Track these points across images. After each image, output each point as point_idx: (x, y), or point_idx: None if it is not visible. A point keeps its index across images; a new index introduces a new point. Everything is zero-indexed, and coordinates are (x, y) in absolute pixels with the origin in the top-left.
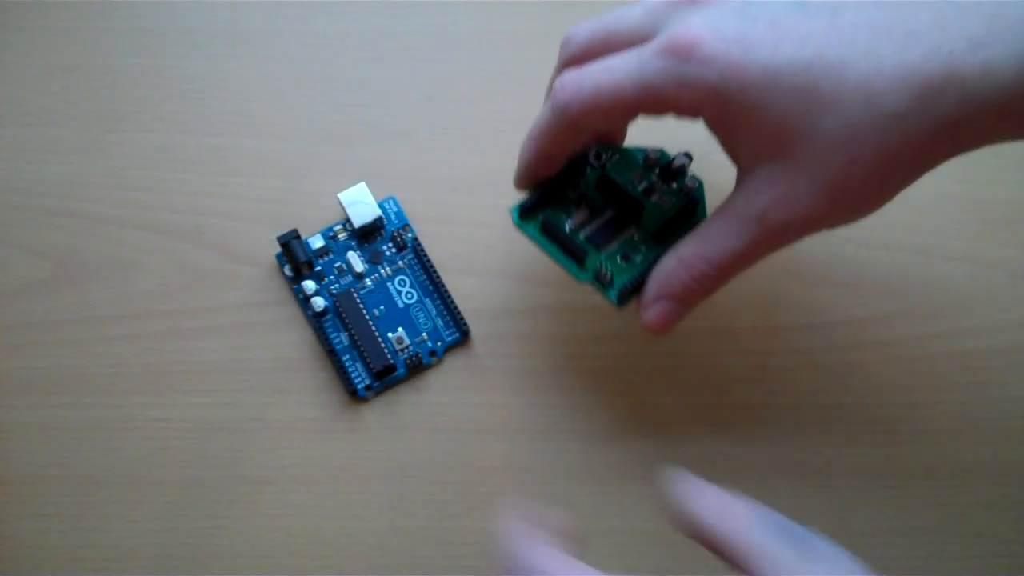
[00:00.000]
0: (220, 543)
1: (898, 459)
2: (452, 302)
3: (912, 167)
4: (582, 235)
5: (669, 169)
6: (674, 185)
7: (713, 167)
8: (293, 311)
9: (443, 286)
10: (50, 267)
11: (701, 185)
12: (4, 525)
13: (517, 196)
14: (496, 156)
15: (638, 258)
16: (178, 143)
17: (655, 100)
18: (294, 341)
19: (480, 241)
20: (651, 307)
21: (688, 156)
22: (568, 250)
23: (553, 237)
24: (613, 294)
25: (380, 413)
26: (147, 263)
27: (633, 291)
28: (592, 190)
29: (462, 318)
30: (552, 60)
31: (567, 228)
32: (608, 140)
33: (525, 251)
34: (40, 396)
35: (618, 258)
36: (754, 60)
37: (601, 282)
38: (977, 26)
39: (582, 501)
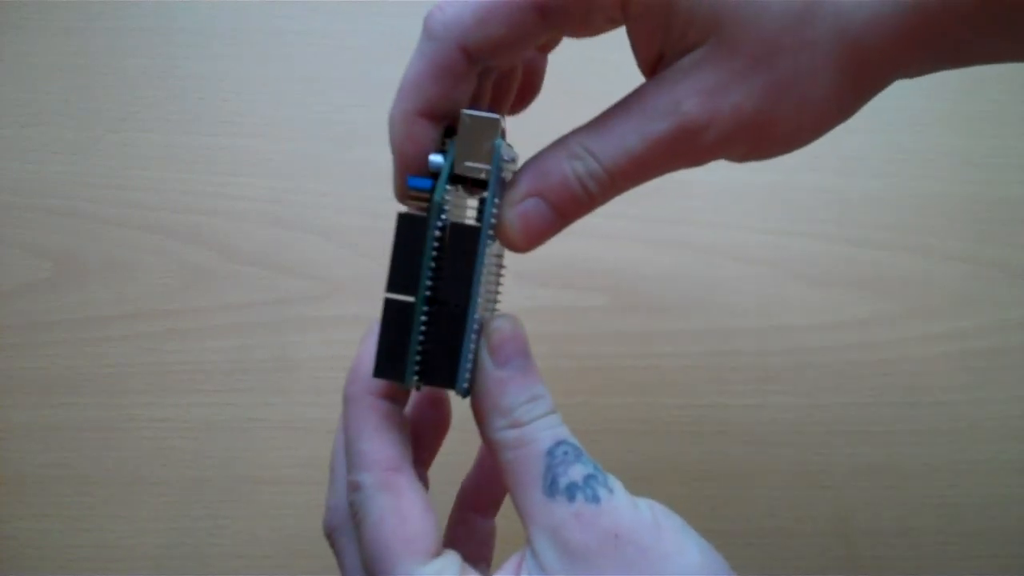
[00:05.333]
0: (220, 543)
1: (898, 459)
2: None
3: (874, 67)
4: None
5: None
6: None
7: None
8: (292, 311)
9: None
10: (50, 267)
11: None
12: (4, 525)
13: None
14: None
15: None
16: (178, 143)
17: None
18: (293, 341)
19: None
20: (519, 206)
21: None
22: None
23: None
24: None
25: None
26: (147, 263)
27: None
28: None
29: None
30: (554, 60)
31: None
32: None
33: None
34: (40, 396)
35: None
36: None
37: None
38: None
39: None
